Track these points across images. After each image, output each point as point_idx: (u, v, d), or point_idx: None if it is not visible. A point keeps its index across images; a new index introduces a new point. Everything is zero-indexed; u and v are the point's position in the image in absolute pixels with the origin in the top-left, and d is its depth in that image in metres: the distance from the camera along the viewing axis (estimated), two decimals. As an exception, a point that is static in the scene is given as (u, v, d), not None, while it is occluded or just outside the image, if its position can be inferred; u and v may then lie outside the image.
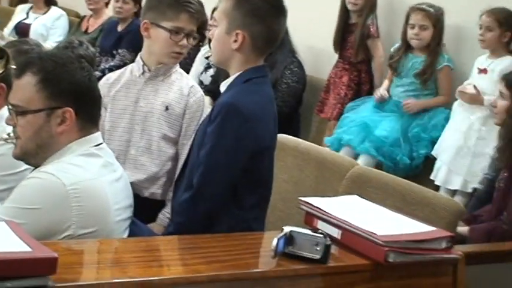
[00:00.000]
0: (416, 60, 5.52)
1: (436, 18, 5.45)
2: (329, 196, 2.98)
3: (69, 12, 8.80)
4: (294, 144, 4.48)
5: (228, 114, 3.11)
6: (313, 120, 6.19)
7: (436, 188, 5.11)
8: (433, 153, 5.31)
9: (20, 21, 8.55)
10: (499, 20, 5.07)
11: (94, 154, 2.81)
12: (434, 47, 5.48)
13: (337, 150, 5.55)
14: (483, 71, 5.09)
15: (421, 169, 5.40)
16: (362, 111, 5.68)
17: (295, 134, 5.91)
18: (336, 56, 6.13)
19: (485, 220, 4.09)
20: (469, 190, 4.93)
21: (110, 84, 3.92)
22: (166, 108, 3.78)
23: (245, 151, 3.15)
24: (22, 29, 8.40)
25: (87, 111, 2.82)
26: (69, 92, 2.78)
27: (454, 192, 5.06)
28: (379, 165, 5.36)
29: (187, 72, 5.52)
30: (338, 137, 5.63)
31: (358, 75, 5.96)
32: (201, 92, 3.89)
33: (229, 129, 3.11)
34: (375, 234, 2.53)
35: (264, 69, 3.31)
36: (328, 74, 6.12)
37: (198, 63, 6.45)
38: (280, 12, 3.30)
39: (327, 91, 6.06)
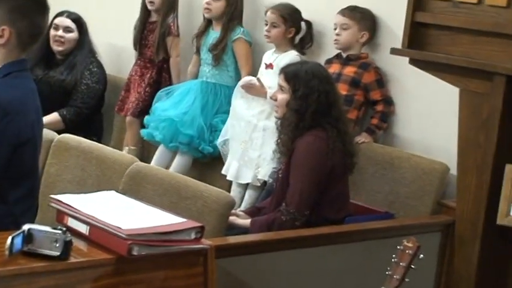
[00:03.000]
0: (216, 36, 5.51)
1: None
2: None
3: None
4: (76, 144, 4.44)
5: None
6: (116, 119, 6.12)
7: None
8: (223, 138, 5.32)
9: None
10: (284, 16, 5.13)
11: None
12: (226, 21, 5.46)
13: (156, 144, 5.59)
14: (269, 65, 5.12)
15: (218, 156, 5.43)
16: (167, 102, 5.64)
17: (98, 134, 5.90)
18: (133, 55, 6.08)
19: (267, 212, 4.13)
20: (259, 184, 4.97)
21: None
22: None
23: (8, 144, 3.10)
24: None
25: None
26: None
27: (246, 186, 5.09)
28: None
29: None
30: (151, 133, 5.58)
31: (158, 73, 5.93)
32: None
33: None
34: (119, 228, 2.56)
35: (25, 62, 3.26)
36: (129, 72, 6.07)
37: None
38: (45, 8, 3.27)
39: (127, 90, 6.00)
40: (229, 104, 5.45)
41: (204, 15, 5.57)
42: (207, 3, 5.44)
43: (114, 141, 5.95)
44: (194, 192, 3.83)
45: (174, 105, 5.56)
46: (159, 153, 5.56)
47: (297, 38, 5.23)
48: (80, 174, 4.30)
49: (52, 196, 2.77)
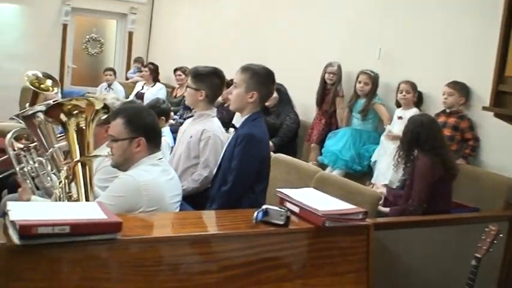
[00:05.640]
0: (361, 103, 5.48)
1: (374, 78, 5.41)
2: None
3: (167, 85, 8.87)
4: (285, 159, 4.49)
5: (249, 140, 3.14)
6: (304, 146, 6.15)
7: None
8: (373, 160, 5.25)
9: (138, 91, 8.64)
10: (413, 86, 5.03)
11: (156, 164, 2.82)
12: (371, 95, 5.43)
13: (326, 165, 5.54)
14: (400, 117, 5.04)
15: (365, 172, 5.33)
16: (333, 140, 5.62)
17: (294, 154, 5.91)
18: (314, 108, 6.10)
19: (400, 204, 4.04)
20: (394, 187, 4.86)
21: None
22: (190, 137, 3.72)
23: (258, 160, 3.17)
24: (139, 96, 8.49)
25: (152, 139, 2.85)
26: (142, 128, 2.82)
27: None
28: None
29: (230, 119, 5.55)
30: (323, 159, 5.61)
31: (330, 119, 5.93)
32: (209, 134, 3.67)
33: (250, 148, 3.13)
34: (317, 209, 2.53)
35: (260, 112, 3.31)
36: (313, 118, 6.08)
37: (238, 116, 6.47)
38: (274, 81, 3.32)
39: (312, 128, 6.04)
40: (369, 141, 5.40)
41: (357, 92, 5.53)
42: (361, 87, 5.44)
43: (303, 158, 5.95)
44: (356, 190, 3.78)
45: (335, 144, 5.57)
46: (328, 169, 5.52)
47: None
48: (286, 177, 4.32)
49: (277, 189, 2.77)
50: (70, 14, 9.87)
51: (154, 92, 8.45)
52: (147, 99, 8.29)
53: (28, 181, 3.35)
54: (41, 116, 3.26)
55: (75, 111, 2.79)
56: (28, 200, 3.25)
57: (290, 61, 6.69)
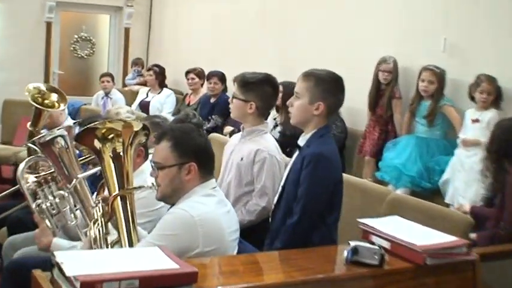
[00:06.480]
0: (426, 105, 5.45)
1: (440, 75, 5.40)
2: (373, 216, 2.91)
3: (175, 91, 8.87)
4: (344, 179, 4.41)
5: (318, 161, 3.14)
6: (354, 159, 6.13)
7: (447, 205, 4.97)
8: (444, 178, 5.20)
9: (142, 100, 8.65)
10: (495, 86, 5.00)
11: (211, 194, 2.83)
12: (437, 96, 5.40)
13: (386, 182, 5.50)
14: (476, 120, 5.01)
15: (434, 190, 5.29)
16: (394, 152, 5.60)
17: (343, 169, 5.90)
18: (365, 114, 6.07)
19: (488, 228, 4.00)
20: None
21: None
22: (241, 159, 3.73)
23: (330, 184, 3.19)
24: (144, 105, 8.50)
25: (205, 164, 2.85)
26: (192, 152, 2.82)
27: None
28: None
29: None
30: (383, 175, 5.59)
31: (386, 126, 5.91)
32: (264, 154, 3.71)
33: (320, 171, 3.13)
34: (414, 244, 2.52)
35: (329, 127, 3.32)
36: (365, 126, 6.06)
37: (269, 123, 6.45)
38: (344, 89, 3.30)
39: (364, 138, 6.02)
40: (439, 151, 5.37)
41: (419, 92, 5.52)
42: (425, 86, 5.41)
43: (354, 174, 5.88)
44: (440, 214, 3.71)
45: (397, 156, 5.55)
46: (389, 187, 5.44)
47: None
48: (349, 201, 4.15)
49: (359, 220, 2.75)
50: (55, 10, 9.95)
51: (161, 100, 8.48)
52: (153, 107, 8.34)
53: (47, 220, 3.34)
54: (61, 141, 3.27)
55: (110, 136, 2.79)
56: (49, 243, 3.25)
57: (330, 59, 6.63)
